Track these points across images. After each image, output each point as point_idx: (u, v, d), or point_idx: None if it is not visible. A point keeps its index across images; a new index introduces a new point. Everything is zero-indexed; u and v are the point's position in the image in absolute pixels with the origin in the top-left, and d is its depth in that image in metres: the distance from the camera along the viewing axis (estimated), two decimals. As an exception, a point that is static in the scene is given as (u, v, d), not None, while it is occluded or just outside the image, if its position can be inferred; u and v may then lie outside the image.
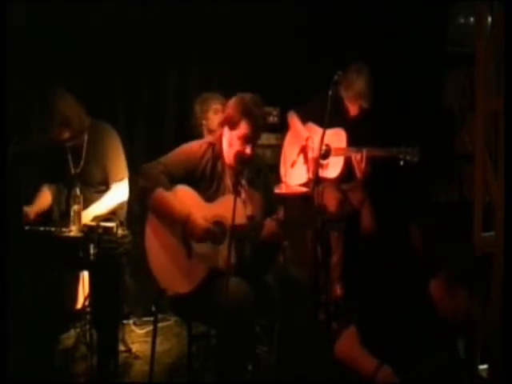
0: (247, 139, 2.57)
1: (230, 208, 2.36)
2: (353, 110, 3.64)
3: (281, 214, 2.52)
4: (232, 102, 2.62)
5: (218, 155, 2.63)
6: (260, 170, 2.74)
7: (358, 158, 3.45)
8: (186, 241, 2.51)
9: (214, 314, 2.37)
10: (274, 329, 2.65)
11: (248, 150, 2.57)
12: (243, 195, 2.58)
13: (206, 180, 2.59)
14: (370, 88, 3.56)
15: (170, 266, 2.52)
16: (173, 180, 2.54)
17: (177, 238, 2.52)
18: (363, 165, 3.45)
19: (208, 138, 2.73)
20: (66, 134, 3.03)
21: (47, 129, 3.02)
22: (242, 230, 2.43)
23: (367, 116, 3.65)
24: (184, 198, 2.52)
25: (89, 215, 2.99)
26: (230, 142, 2.60)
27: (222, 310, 2.26)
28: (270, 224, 2.49)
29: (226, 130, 2.61)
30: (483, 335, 2.58)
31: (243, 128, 2.56)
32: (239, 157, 2.57)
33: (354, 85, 3.55)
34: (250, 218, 2.50)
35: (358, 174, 3.49)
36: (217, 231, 2.48)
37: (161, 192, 2.49)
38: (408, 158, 3.33)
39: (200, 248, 2.50)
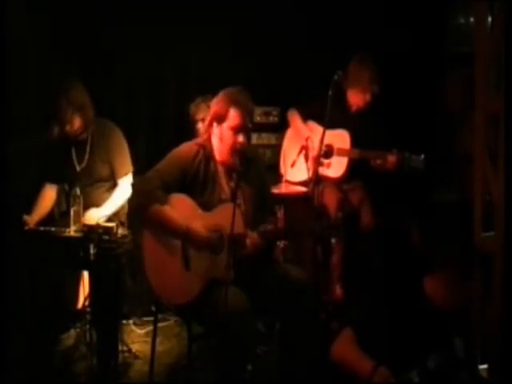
0: (239, 128, 2.52)
1: (228, 217, 2.32)
2: (357, 100, 3.62)
3: (280, 213, 2.51)
4: (217, 97, 2.59)
5: (209, 156, 2.58)
6: (251, 160, 2.68)
7: (393, 160, 3.43)
8: (185, 252, 2.48)
9: (212, 324, 2.37)
10: (274, 328, 2.65)
11: (241, 139, 2.53)
12: (240, 199, 2.53)
13: (199, 183, 2.55)
14: (376, 78, 3.56)
15: (168, 279, 2.50)
16: (169, 189, 2.49)
17: (174, 251, 2.49)
18: (396, 167, 3.45)
19: (197, 140, 2.67)
20: (77, 123, 3.04)
21: (62, 117, 3.02)
22: (240, 238, 2.41)
23: (370, 115, 3.65)
24: (181, 209, 2.48)
25: (99, 215, 3.00)
26: (221, 137, 2.55)
27: (221, 322, 2.24)
28: (252, 237, 2.45)
29: (214, 127, 2.57)
30: (483, 335, 2.58)
31: (233, 116, 2.51)
32: (234, 149, 2.52)
33: (361, 75, 3.54)
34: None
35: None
36: (217, 239, 2.45)
37: (157, 208, 2.45)
38: (412, 164, 3.34)
39: (197, 259, 2.47)
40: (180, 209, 2.48)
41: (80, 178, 3.09)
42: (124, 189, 3.13)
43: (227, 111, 2.52)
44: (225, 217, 2.40)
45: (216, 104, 2.57)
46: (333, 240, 3.57)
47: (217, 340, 2.40)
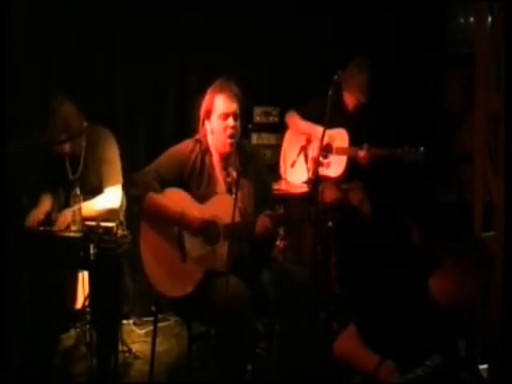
0: (227, 113, 2.56)
1: (223, 207, 2.41)
2: (350, 102, 3.62)
3: (280, 211, 2.52)
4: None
5: (205, 150, 2.62)
6: (250, 156, 2.71)
7: (362, 154, 3.44)
8: (181, 244, 2.51)
9: (212, 315, 2.37)
10: (274, 328, 2.65)
11: (231, 123, 2.56)
12: (238, 192, 2.53)
13: (196, 176, 2.59)
14: (369, 84, 3.55)
15: (165, 271, 2.51)
16: (165, 183, 2.55)
17: (171, 243, 2.53)
18: (368, 161, 3.44)
19: (194, 137, 2.71)
20: (63, 136, 3.02)
21: (49, 132, 3.00)
22: (237, 228, 2.42)
23: (368, 115, 3.64)
24: (176, 200, 2.53)
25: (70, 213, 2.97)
26: (213, 130, 2.60)
27: (221, 310, 2.25)
28: (263, 220, 2.48)
29: (207, 124, 2.62)
30: (483, 335, 2.58)
31: (218, 104, 2.57)
32: (226, 135, 2.55)
33: (354, 78, 3.53)
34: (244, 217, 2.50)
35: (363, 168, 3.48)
36: (211, 226, 2.49)
37: (152, 195, 2.51)
38: (412, 158, 3.32)
39: (194, 250, 2.50)
40: (175, 201, 2.52)
41: (73, 186, 3.05)
42: (107, 197, 3.07)
43: (213, 102, 2.58)
44: (220, 208, 2.47)
45: (203, 102, 2.63)
46: (329, 223, 3.56)
47: (216, 331, 2.41)
